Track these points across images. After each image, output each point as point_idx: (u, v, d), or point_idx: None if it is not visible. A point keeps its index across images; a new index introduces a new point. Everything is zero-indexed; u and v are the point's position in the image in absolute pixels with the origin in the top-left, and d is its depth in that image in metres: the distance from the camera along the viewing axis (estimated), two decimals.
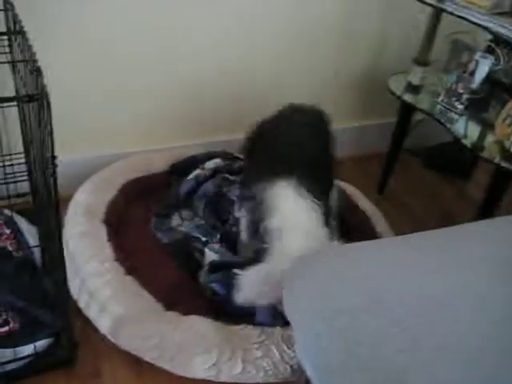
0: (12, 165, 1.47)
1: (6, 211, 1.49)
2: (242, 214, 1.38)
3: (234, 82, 1.73)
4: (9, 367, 1.14)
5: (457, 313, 0.83)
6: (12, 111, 1.35)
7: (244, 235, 1.35)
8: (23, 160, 1.50)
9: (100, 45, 1.50)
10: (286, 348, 1.17)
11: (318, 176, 1.29)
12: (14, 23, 1.17)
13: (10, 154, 1.43)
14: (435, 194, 1.93)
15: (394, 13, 1.79)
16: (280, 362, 1.16)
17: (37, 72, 0.86)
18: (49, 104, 0.82)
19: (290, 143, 1.33)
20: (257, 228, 1.23)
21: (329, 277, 0.90)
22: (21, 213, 1.51)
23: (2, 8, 1.22)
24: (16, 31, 1.07)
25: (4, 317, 1.22)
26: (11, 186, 1.53)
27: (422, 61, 1.62)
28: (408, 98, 1.60)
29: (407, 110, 1.65)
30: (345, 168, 1.95)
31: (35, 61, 0.90)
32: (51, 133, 0.84)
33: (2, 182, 1.34)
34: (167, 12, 1.53)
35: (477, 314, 0.83)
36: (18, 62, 0.94)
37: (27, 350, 1.17)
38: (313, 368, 0.83)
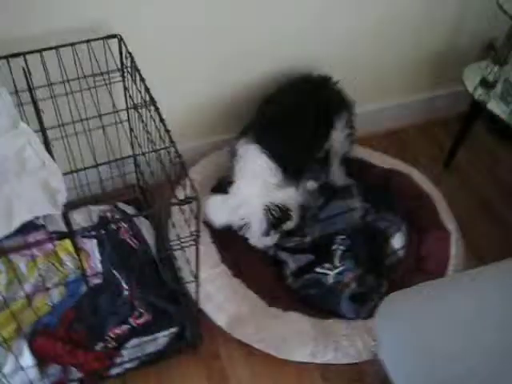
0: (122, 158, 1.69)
1: (121, 205, 1.72)
2: None
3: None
4: (148, 352, 1.46)
5: None
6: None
7: None
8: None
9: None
10: (368, 338, 1.44)
11: None
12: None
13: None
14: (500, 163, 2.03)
15: None
16: (363, 350, 1.43)
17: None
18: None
19: None
20: None
21: (419, 313, 1.11)
22: (129, 203, 1.74)
23: None
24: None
25: (139, 310, 1.51)
26: (120, 179, 1.76)
27: (500, 60, 1.66)
28: (480, 94, 1.68)
29: (478, 107, 1.74)
30: (411, 136, 2.08)
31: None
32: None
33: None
34: None
35: None
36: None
37: (162, 337, 1.47)
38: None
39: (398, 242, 1.63)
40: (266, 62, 1.74)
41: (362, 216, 1.66)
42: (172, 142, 1.16)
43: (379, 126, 2.05)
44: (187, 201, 1.03)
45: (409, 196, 1.73)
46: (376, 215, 1.68)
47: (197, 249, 1.16)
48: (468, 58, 1.89)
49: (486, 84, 1.71)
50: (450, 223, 1.67)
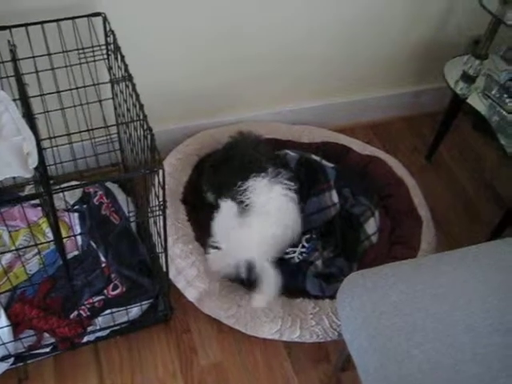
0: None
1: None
2: None
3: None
4: (120, 322, 1.51)
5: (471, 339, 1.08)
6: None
7: None
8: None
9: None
10: (334, 318, 1.47)
11: None
12: None
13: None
14: (481, 160, 2.06)
15: None
16: (329, 329, 1.47)
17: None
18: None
19: None
20: None
21: (378, 293, 1.15)
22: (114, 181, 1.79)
23: None
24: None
25: (115, 282, 1.55)
26: (106, 157, 1.81)
27: (480, 55, 1.69)
28: (461, 88, 1.71)
29: (458, 101, 1.76)
30: (396, 128, 2.11)
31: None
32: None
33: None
34: None
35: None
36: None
37: (135, 309, 1.52)
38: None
39: (371, 227, 1.67)
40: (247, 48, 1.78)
41: (340, 207, 1.69)
42: (145, 116, 1.20)
43: (364, 117, 2.09)
44: (152, 170, 1.07)
45: (384, 182, 1.76)
46: (354, 200, 1.71)
47: (164, 219, 1.21)
48: (454, 54, 1.91)
49: (466, 78, 1.74)
50: (423, 210, 1.70)
